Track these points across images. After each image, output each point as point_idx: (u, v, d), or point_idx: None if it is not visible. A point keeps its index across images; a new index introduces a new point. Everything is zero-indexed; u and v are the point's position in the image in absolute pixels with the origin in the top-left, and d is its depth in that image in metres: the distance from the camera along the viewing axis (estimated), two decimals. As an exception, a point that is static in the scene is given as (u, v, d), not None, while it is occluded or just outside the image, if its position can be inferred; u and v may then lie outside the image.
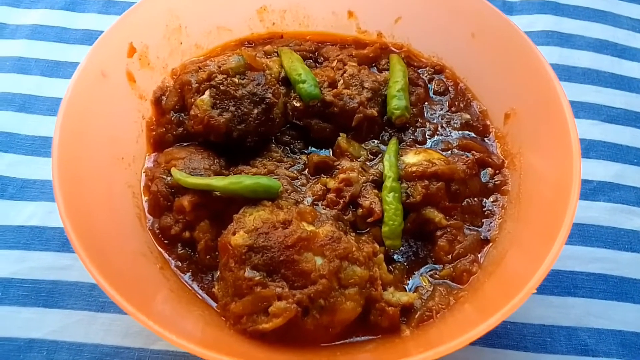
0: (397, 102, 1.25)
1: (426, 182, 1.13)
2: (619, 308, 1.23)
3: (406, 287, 1.10)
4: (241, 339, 0.96)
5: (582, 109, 1.52)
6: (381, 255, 1.07)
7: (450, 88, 1.39)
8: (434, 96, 1.38)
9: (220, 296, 1.03)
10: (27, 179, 1.35)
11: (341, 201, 1.12)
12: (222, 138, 1.18)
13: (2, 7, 1.67)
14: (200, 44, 1.39)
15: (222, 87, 1.17)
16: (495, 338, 1.17)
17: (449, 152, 1.26)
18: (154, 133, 1.26)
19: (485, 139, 1.31)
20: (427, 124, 1.31)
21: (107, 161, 1.14)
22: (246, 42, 1.45)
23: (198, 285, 1.09)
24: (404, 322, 1.04)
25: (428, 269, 1.13)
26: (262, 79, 1.22)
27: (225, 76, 1.19)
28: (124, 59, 1.23)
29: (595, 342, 1.19)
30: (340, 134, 1.24)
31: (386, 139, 1.26)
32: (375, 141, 1.26)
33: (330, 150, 1.26)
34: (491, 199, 1.21)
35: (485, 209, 1.20)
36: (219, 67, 1.20)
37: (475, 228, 1.17)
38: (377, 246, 1.08)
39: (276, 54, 1.36)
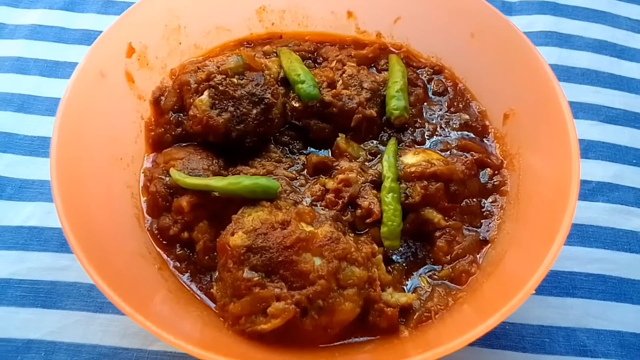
0: (396, 103, 1.25)
1: (425, 182, 1.13)
2: (618, 309, 1.23)
3: (405, 287, 1.10)
4: (239, 339, 0.96)
5: (581, 110, 1.52)
6: (380, 256, 1.07)
7: (449, 88, 1.39)
8: (433, 96, 1.38)
9: (218, 297, 1.03)
10: (26, 180, 1.35)
11: (340, 202, 1.12)
12: (221, 138, 1.17)
13: (1, 7, 1.66)
14: (199, 44, 1.39)
15: (221, 88, 1.17)
16: (494, 339, 1.17)
17: (448, 152, 1.26)
18: (152, 133, 1.26)
19: (484, 139, 1.31)
20: (426, 124, 1.31)
21: (105, 161, 1.14)
22: (245, 43, 1.45)
23: (196, 286, 1.09)
24: (402, 323, 1.04)
25: (427, 270, 1.13)
26: (261, 80, 1.21)
27: (224, 76, 1.19)
28: (123, 59, 1.23)
29: (594, 342, 1.19)
30: (339, 135, 1.24)
31: (385, 139, 1.26)
32: (374, 141, 1.26)
33: (329, 150, 1.26)
34: (490, 199, 1.21)
35: (484, 209, 1.20)
36: (218, 67, 1.20)
37: (474, 229, 1.17)
38: (376, 247, 1.08)
39: (275, 54, 1.36)
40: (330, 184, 1.15)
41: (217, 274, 1.06)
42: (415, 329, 1.03)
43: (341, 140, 1.23)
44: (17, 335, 1.15)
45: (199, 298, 1.08)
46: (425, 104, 1.36)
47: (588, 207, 1.36)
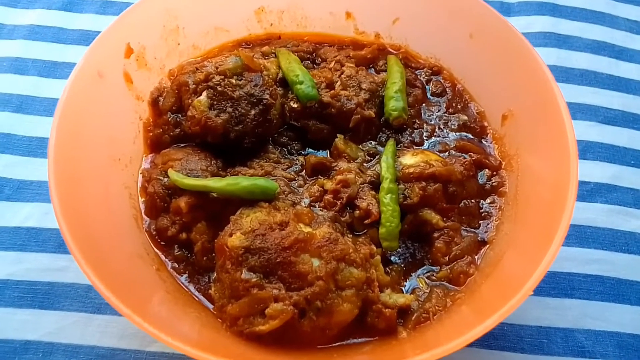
0: (394, 104, 1.25)
1: (423, 183, 1.13)
2: (616, 309, 1.23)
3: (403, 288, 1.10)
4: (238, 340, 0.96)
5: (579, 111, 1.52)
6: (378, 257, 1.07)
7: (447, 89, 1.39)
8: (431, 97, 1.38)
9: (216, 298, 1.02)
10: (24, 180, 1.34)
11: (338, 202, 1.12)
12: (220, 139, 1.17)
13: (-1, 7, 1.66)
14: (197, 44, 1.39)
15: (219, 88, 1.17)
16: (492, 340, 1.17)
17: (447, 153, 1.26)
18: (151, 134, 1.26)
19: (482, 140, 1.31)
20: (425, 125, 1.31)
21: (103, 162, 1.14)
22: (244, 43, 1.45)
23: (194, 287, 1.09)
24: (400, 324, 1.04)
25: (425, 271, 1.13)
26: (259, 80, 1.21)
27: (222, 77, 1.19)
28: (121, 59, 1.23)
29: (592, 343, 1.19)
30: (338, 135, 1.24)
31: (383, 140, 1.26)
32: (373, 142, 1.26)
33: (328, 151, 1.26)
34: (488, 200, 1.21)
35: (482, 210, 1.20)
36: (217, 68, 1.20)
37: (473, 229, 1.17)
38: (374, 248, 1.08)
39: (274, 55, 1.36)
40: (329, 184, 1.15)
41: (215, 275, 1.06)
42: (414, 330, 1.03)
43: (340, 141, 1.23)
44: (14, 336, 1.14)
45: (197, 299, 1.08)
46: (423, 104, 1.36)
47: (586, 208, 1.36)
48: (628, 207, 1.37)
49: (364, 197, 1.13)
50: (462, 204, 1.18)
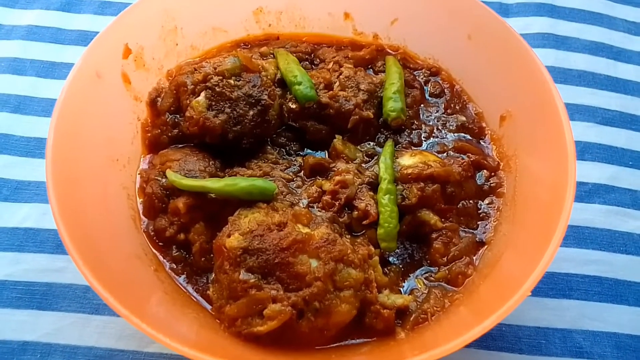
0: (393, 104, 1.25)
1: (422, 184, 1.13)
2: (614, 310, 1.23)
3: (401, 289, 1.10)
4: (236, 341, 0.96)
5: (577, 111, 1.52)
6: (376, 258, 1.07)
7: (446, 90, 1.39)
8: (429, 98, 1.38)
9: (215, 299, 1.02)
10: (22, 181, 1.34)
11: (336, 203, 1.12)
12: (218, 140, 1.17)
13: (-3, 7, 1.66)
14: (195, 45, 1.39)
15: (217, 89, 1.17)
16: (490, 340, 1.17)
17: (445, 154, 1.26)
18: (149, 134, 1.26)
19: (480, 141, 1.31)
20: (423, 126, 1.31)
21: (101, 163, 1.14)
22: (242, 44, 1.45)
23: (193, 288, 1.09)
24: (399, 325, 1.04)
25: (423, 272, 1.13)
26: (257, 81, 1.21)
27: (220, 78, 1.18)
28: (119, 60, 1.23)
29: (590, 344, 1.19)
30: (336, 136, 1.24)
31: (382, 141, 1.26)
32: (371, 143, 1.26)
33: (326, 152, 1.26)
34: (486, 201, 1.21)
35: (480, 211, 1.20)
36: (215, 68, 1.20)
37: (471, 230, 1.17)
38: (373, 248, 1.08)
39: (272, 56, 1.36)
40: (327, 185, 1.15)
41: (213, 275, 1.06)
42: (412, 331, 1.03)
43: (338, 141, 1.23)
44: (12, 337, 1.14)
45: (195, 300, 1.08)
46: (422, 105, 1.36)
47: (584, 209, 1.36)
48: (626, 207, 1.37)
49: (362, 198, 1.13)
50: (461, 204, 1.18)
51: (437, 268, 1.12)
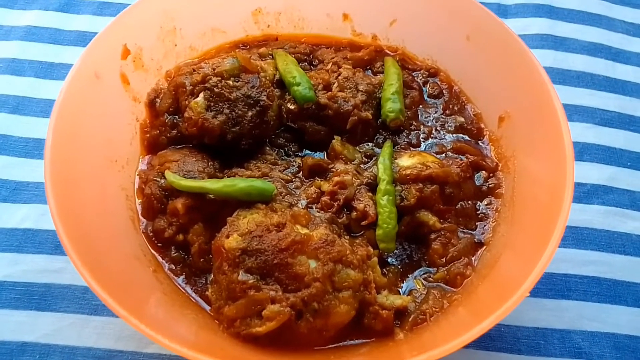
0: (391, 105, 1.25)
1: (420, 185, 1.13)
2: (612, 311, 1.23)
3: (400, 290, 1.10)
4: (234, 342, 0.96)
5: (576, 112, 1.52)
6: (375, 259, 1.07)
7: (444, 91, 1.39)
8: (428, 99, 1.38)
9: (213, 299, 1.02)
10: (20, 181, 1.34)
11: (335, 204, 1.12)
12: (216, 140, 1.17)
13: (-4, 8, 1.66)
14: (194, 46, 1.39)
15: (216, 90, 1.17)
16: (489, 341, 1.17)
17: (443, 155, 1.26)
18: (147, 135, 1.25)
19: (479, 142, 1.31)
20: (422, 127, 1.32)
21: (100, 163, 1.14)
22: (241, 45, 1.45)
23: (191, 289, 1.09)
24: (397, 326, 1.04)
25: (422, 272, 1.13)
26: (256, 82, 1.21)
27: (219, 78, 1.18)
28: (118, 60, 1.23)
29: (589, 344, 1.19)
30: (335, 137, 1.24)
31: (381, 141, 1.26)
32: (370, 144, 1.27)
33: (325, 153, 1.26)
34: (485, 202, 1.21)
35: (479, 212, 1.20)
36: (214, 69, 1.20)
37: (469, 231, 1.17)
38: (371, 249, 1.08)
39: (271, 57, 1.36)
40: (326, 186, 1.15)
41: (212, 276, 1.06)
42: (411, 332, 1.03)
43: (337, 142, 1.23)
44: (11, 338, 1.14)
45: (194, 300, 1.07)
46: (420, 106, 1.36)
47: (583, 210, 1.36)
48: (624, 208, 1.37)
49: (361, 199, 1.13)
50: (459, 205, 1.18)
51: (436, 269, 1.12)
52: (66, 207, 0.96)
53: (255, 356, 0.94)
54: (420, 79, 1.40)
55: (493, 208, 1.20)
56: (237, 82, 1.20)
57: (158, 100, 1.27)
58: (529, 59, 1.18)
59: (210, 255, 1.07)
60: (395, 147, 1.25)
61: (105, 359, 1.13)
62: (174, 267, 1.11)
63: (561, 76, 1.59)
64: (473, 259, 1.14)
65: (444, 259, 1.12)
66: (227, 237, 0.99)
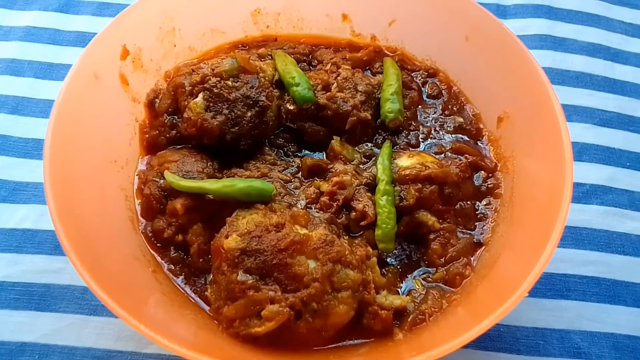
0: (390, 106, 1.25)
1: (419, 185, 1.13)
2: (612, 311, 1.23)
3: (399, 290, 1.10)
4: (234, 342, 0.96)
5: (575, 113, 1.53)
6: (374, 259, 1.07)
7: (443, 91, 1.39)
8: (427, 99, 1.38)
9: (213, 299, 1.02)
10: (20, 182, 1.34)
11: (334, 204, 1.12)
12: (216, 141, 1.17)
13: (-5, 8, 1.66)
14: (194, 46, 1.39)
15: (215, 90, 1.17)
16: (488, 341, 1.17)
17: (442, 155, 1.26)
18: (147, 136, 1.25)
19: (478, 142, 1.31)
20: (421, 127, 1.32)
21: (99, 164, 1.14)
22: (240, 45, 1.45)
23: (191, 289, 1.09)
24: (396, 326, 1.04)
25: (421, 272, 1.13)
26: (255, 82, 1.21)
27: (218, 79, 1.19)
28: (117, 61, 1.23)
29: (588, 344, 1.19)
30: (334, 137, 1.24)
31: (380, 142, 1.26)
32: (369, 144, 1.27)
33: (324, 153, 1.26)
34: (484, 202, 1.21)
35: (478, 212, 1.20)
36: (213, 69, 1.20)
37: (468, 231, 1.17)
38: (370, 249, 1.08)
39: (270, 57, 1.36)
40: (325, 186, 1.15)
41: (211, 276, 1.06)
42: (410, 332, 1.03)
43: (336, 142, 1.23)
44: (10, 338, 1.14)
45: (193, 301, 1.07)
46: (419, 106, 1.36)
47: (582, 210, 1.36)
48: (623, 208, 1.37)
49: (360, 199, 1.13)
50: (458, 205, 1.18)
51: (435, 269, 1.12)
52: (65, 208, 0.96)
53: (255, 356, 0.94)
54: (419, 80, 1.40)
55: (492, 208, 1.20)
56: (236, 82, 1.20)
57: (157, 100, 1.27)
58: (528, 60, 1.18)
59: (210, 256, 1.07)
60: (395, 148, 1.25)
61: (104, 359, 1.13)
62: (173, 268, 1.11)
63: (560, 76, 1.60)
64: (472, 259, 1.14)
65: (443, 259, 1.12)
66: (227, 237, 0.99)
